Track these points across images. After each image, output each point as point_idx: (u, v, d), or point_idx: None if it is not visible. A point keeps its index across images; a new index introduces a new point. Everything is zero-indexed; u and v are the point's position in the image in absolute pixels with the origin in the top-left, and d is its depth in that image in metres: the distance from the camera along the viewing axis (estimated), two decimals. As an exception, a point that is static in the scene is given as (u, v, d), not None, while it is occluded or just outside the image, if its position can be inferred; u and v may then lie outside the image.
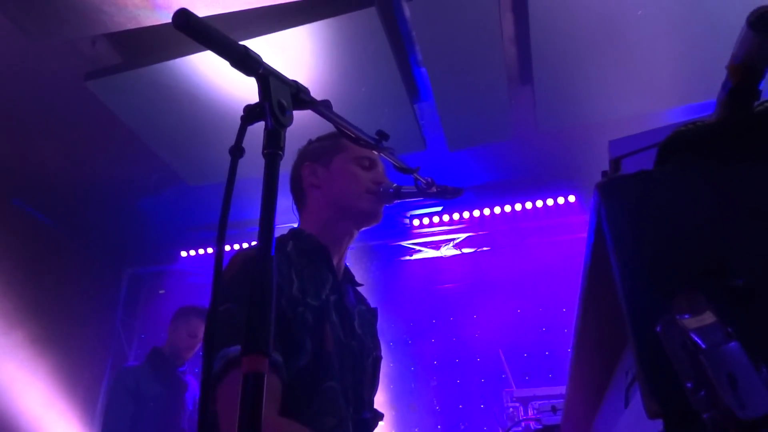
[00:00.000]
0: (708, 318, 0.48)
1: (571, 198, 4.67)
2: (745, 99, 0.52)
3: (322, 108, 1.04)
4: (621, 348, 0.85)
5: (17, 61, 3.37)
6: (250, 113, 0.88)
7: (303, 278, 1.37)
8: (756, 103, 0.54)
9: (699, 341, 0.47)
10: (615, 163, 0.64)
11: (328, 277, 1.46)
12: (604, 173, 0.67)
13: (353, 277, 1.62)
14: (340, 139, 1.62)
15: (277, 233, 1.47)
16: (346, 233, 1.56)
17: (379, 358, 1.57)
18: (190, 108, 3.57)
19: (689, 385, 0.47)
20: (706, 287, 0.50)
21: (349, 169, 1.57)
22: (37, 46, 3.22)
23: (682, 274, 0.51)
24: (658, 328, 0.50)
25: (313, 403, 1.26)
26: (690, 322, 0.49)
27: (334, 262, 1.51)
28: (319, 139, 1.69)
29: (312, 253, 1.47)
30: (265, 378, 0.69)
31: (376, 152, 1.27)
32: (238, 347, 0.86)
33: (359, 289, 1.65)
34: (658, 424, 0.50)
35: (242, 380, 0.69)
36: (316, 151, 1.65)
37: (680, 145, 0.56)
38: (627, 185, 0.55)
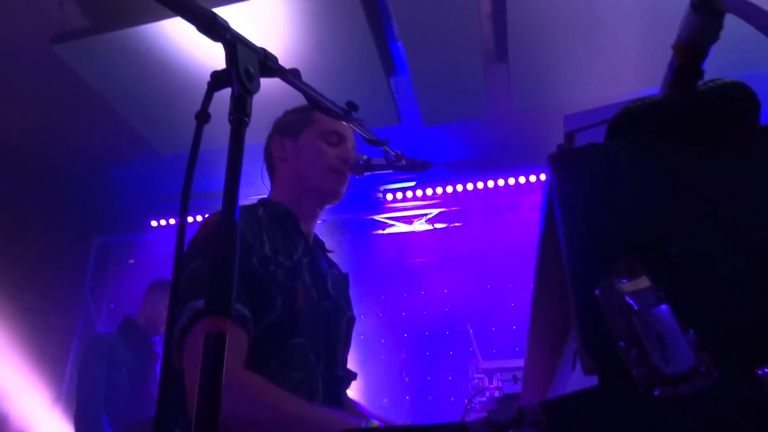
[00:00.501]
0: (643, 282, 0.52)
1: (543, 176, 4.73)
2: (689, 78, 0.55)
3: (290, 77, 1.04)
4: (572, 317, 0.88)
5: (-20, 21, 3.26)
6: (217, 79, 0.88)
7: (275, 240, 1.41)
8: (699, 82, 0.56)
9: (633, 303, 0.50)
10: (569, 136, 0.67)
11: (300, 242, 1.50)
12: (558, 146, 0.70)
13: (323, 244, 1.66)
14: (311, 113, 1.64)
15: (245, 204, 1.50)
16: (313, 207, 1.60)
17: (353, 319, 1.62)
18: (162, 75, 3.51)
19: (622, 344, 0.51)
20: (645, 255, 0.53)
21: (316, 145, 1.59)
22: (2, 6, 3.12)
23: (623, 242, 0.54)
24: (597, 292, 0.53)
25: (280, 356, 1.29)
26: (626, 286, 0.52)
27: (303, 229, 1.54)
28: (292, 111, 1.71)
29: (281, 219, 1.51)
30: (228, 336, 0.71)
31: (347, 127, 1.29)
32: None
33: (330, 256, 1.69)
34: (595, 380, 0.54)
35: (204, 340, 0.70)
36: (286, 124, 1.67)
37: (629, 120, 0.59)
38: (576, 157, 0.58)
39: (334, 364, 1.44)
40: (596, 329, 0.52)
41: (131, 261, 5.26)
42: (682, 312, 0.50)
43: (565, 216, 0.56)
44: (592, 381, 0.62)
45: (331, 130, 1.61)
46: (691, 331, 0.49)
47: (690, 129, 0.58)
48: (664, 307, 0.50)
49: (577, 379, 0.72)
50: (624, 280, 0.52)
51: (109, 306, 5.24)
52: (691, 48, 0.53)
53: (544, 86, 3.75)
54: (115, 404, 3.28)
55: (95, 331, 4.92)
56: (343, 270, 1.71)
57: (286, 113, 1.72)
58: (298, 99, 1.49)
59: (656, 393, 0.48)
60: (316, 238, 1.65)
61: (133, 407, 3.37)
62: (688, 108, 0.56)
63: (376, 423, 1.14)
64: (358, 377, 1.61)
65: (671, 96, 0.57)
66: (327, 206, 1.63)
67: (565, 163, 0.58)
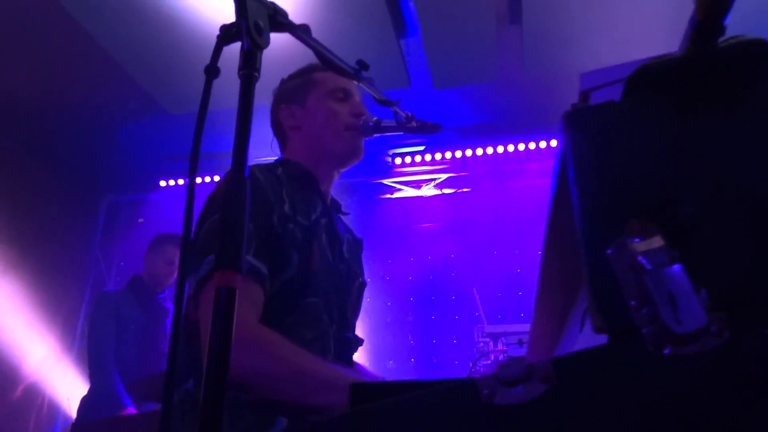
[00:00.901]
0: (656, 242, 0.51)
1: (554, 142, 4.69)
2: (710, 34, 0.53)
3: (300, 32, 1.02)
4: (582, 280, 0.88)
5: (-14, -25, 3.21)
6: (226, 33, 0.87)
7: (294, 199, 1.41)
8: (720, 39, 0.55)
9: (645, 263, 0.50)
10: (584, 95, 0.65)
11: (318, 202, 1.49)
12: (573, 105, 0.69)
13: (340, 206, 1.66)
14: (312, 74, 1.61)
15: (263, 162, 1.49)
16: (330, 171, 1.59)
17: (364, 284, 1.63)
18: (171, 33, 3.46)
19: (633, 303, 0.51)
20: (659, 214, 0.52)
21: (326, 105, 1.56)
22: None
23: (637, 201, 0.53)
24: (609, 251, 0.53)
25: (293, 314, 1.31)
26: (639, 245, 0.51)
27: (322, 189, 1.54)
28: (290, 77, 1.67)
29: (300, 179, 1.50)
30: (245, 291, 0.72)
31: (351, 82, 1.27)
32: None
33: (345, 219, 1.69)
34: (604, 339, 0.54)
35: (215, 295, 0.71)
36: (289, 91, 1.63)
37: (646, 78, 0.57)
38: (591, 115, 0.57)
39: (346, 325, 1.46)
40: (607, 288, 0.52)
41: (140, 220, 5.29)
42: (695, 272, 0.50)
43: (578, 175, 0.55)
44: (601, 340, 0.62)
45: (337, 87, 1.58)
46: (704, 290, 0.49)
47: (707, 88, 0.56)
48: (676, 266, 0.49)
49: (585, 339, 0.72)
50: (637, 240, 0.52)
51: (119, 264, 5.30)
52: (714, 3, 0.52)
53: (558, 49, 3.68)
54: (125, 359, 3.35)
55: (105, 288, 4.99)
56: (358, 235, 1.72)
57: (284, 81, 1.67)
58: (305, 59, 1.46)
59: (666, 351, 0.48)
60: (333, 199, 1.64)
61: (144, 362, 3.44)
62: (706, 66, 0.55)
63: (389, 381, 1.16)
64: (365, 339, 1.63)
65: (689, 53, 0.56)
66: (346, 167, 1.61)
67: (580, 121, 0.57)
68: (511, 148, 4.77)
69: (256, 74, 0.83)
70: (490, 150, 4.79)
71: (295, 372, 1.16)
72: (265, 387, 1.17)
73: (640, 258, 0.50)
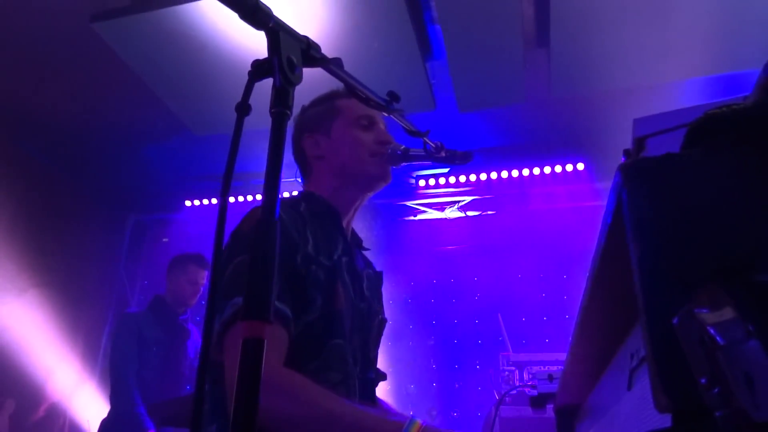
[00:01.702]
0: (728, 313, 0.46)
1: (580, 166, 4.62)
2: (787, 83, 0.49)
3: (333, 66, 1.00)
4: (626, 329, 0.83)
5: (20, 0, 3.28)
6: (259, 69, 0.84)
7: (317, 238, 1.38)
8: (797, 88, 0.51)
9: (717, 337, 0.45)
10: (639, 142, 0.61)
11: (339, 240, 1.46)
12: (626, 152, 0.65)
13: (361, 241, 1.63)
14: (335, 102, 1.58)
15: (288, 198, 1.46)
16: (356, 199, 1.55)
17: (384, 321, 1.59)
18: (199, 56, 3.50)
19: (703, 381, 0.46)
20: (729, 282, 0.48)
21: (351, 134, 1.53)
22: (42, -16, 3.14)
23: (705, 266, 0.49)
24: (674, 321, 0.48)
25: (319, 357, 1.28)
26: (709, 316, 0.47)
27: (344, 224, 1.51)
28: (312, 105, 1.63)
29: (323, 215, 1.46)
30: (270, 335, 0.69)
31: (373, 109, 1.24)
32: None
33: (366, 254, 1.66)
34: (653, 405, 0.49)
35: (242, 345, 0.68)
36: (313, 120, 1.60)
37: (712, 127, 0.53)
38: (652, 168, 0.53)
39: (368, 366, 1.42)
40: (673, 363, 0.47)
41: (165, 239, 5.33)
42: (773, 349, 0.45)
43: (638, 234, 0.51)
44: (647, 405, 0.57)
45: (361, 115, 1.55)
46: (783, 370, 0.44)
47: (783, 140, 0.52)
48: (753, 342, 0.45)
49: (635, 403, 0.67)
50: (705, 310, 0.47)
51: (143, 283, 5.33)
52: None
53: (585, 73, 3.63)
54: (146, 381, 3.34)
55: (129, 307, 5.02)
56: (374, 261, 1.68)
57: (306, 108, 1.64)
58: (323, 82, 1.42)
59: (742, 439, 0.43)
60: (354, 234, 1.61)
61: (165, 384, 3.43)
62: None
63: (419, 421, 1.11)
64: (388, 363, 1.59)
65: (764, 102, 0.51)
66: (373, 192, 1.57)
67: (639, 173, 0.53)
68: (536, 170, 4.71)
69: (289, 112, 0.81)
70: (515, 173, 4.74)
71: (321, 415, 1.12)
72: (291, 431, 1.14)
73: (711, 330, 0.45)
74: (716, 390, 0.45)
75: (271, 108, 0.81)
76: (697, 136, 0.55)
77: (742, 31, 3.14)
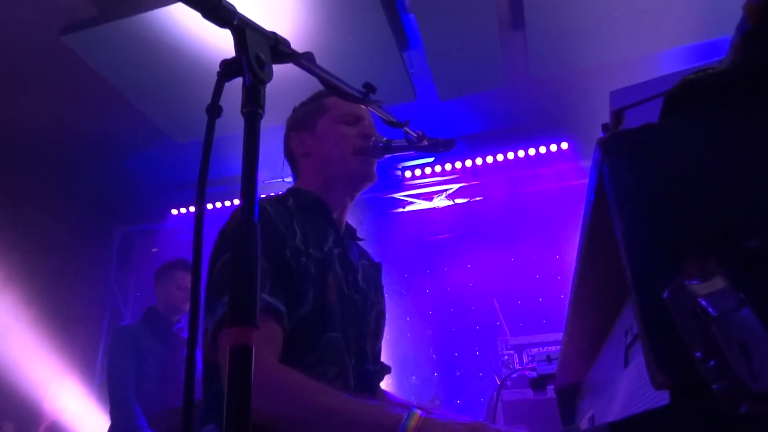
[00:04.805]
0: (719, 283, 0.45)
1: (564, 145, 4.62)
2: (763, 42, 0.48)
3: (304, 61, 0.97)
4: (619, 305, 0.83)
5: (-13, 15, 3.22)
6: (227, 69, 0.82)
7: (305, 231, 1.37)
8: (773, 47, 0.49)
9: (709, 308, 0.44)
10: (617, 115, 0.60)
11: (330, 231, 1.45)
12: (604, 126, 0.63)
13: (355, 232, 1.62)
14: (321, 101, 1.59)
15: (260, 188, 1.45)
16: (343, 197, 1.55)
17: (383, 312, 1.58)
18: (172, 62, 3.45)
19: (698, 354, 0.45)
20: (717, 250, 0.47)
21: (335, 130, 1.54)
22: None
23: (692, 236, 0.47)
24: (665, 295, 0.47)
25: (315, 352, 1.27)
26: (699, 287, 0.45)
27: (334, 217, 1.50)
28: (302, 104, 1.65)
29: (312, 208, 1.46)
30: (264, 331, 0.67)
31: (349, 102, 1.22)
32: None
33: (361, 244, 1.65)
34: (650, 382, 0.48)
35: (230, 353, 0.66)
36: (300, 118, 1.61)
37: (689, 94, 0.52)
38: (631, 140, 0.51)
39: (365, 358, 1.41)
40: (667, 338, 0.46)
41: (154, 249, 5.28)
42: (765, 317, 0.44)
43: (622, 208, 0.50)
44: (644, 382, 0.56)
45: (347, 112, 1.55)
46: (778, 337, 0.43)
47: (762, 101, 0.50)
48: (746, 311, 0.44)
49: (632, 379, 0.66)
50: (696, 281, 0.46)
51: (135, 295, 5.29)
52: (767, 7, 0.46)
53: (562, 51, 3.62)
54: (145, 393, 3.32)
55: (123, 319, 4.98)
56: (375, 259, 1.67)
57: (296, 108, 1.66)
58: (309, 81, 1.42)
59: (742, 410, 0.42)
60: (348, 226, 1.60)
61: (164, 394, 3.40)
62: (762, 77, 0.49)
63: (418, 412, 1.10)
64: (387, 356, 1.59)
65: (741, 64, 0.50)
66: (359, 192, 1.57)
67: (619, 147, 0.52)
68: (521, 153, 4.71)
69: (261, 111, 0.79)
70: (500, 157, 4.74)
71: (318, 412, 1.11)
72: (289, 429, 1.12)
73: (703, 302, 0.44)
74: (712, 363, 0.44)
75: (242, 108, 0.79)
76: (674, 103, 0.53)
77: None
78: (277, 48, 0.89)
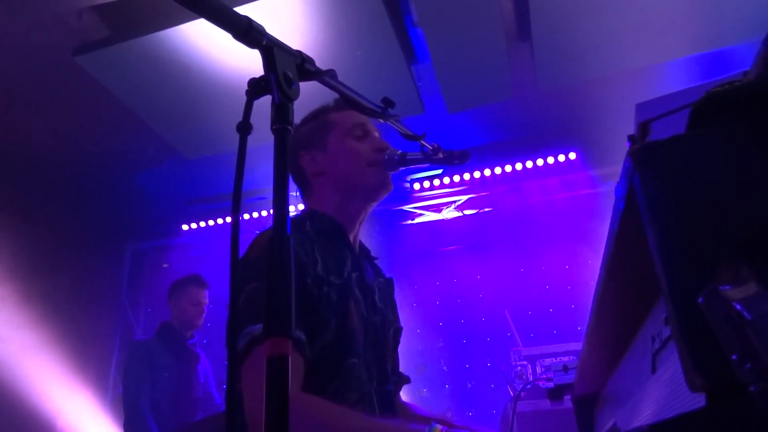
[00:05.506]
0: (752, 288, 0.47)
1: (572, 155, 4.64)
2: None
3: (327, 78, 1.00)
4: (644, 313, 0.84)
5: (1, 36, 3.27)
6: (256, 87, 0.84)
7: (325, 257, 1.36)
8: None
9: (744, 312, 0.46)
10: (643, 126, 0.62)
11: (347, 255, 1.44)
12: (631, 138, 0.65)
13: (369, 251, 1.62)
14: (327, 116, 1.57)
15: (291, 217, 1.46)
16: (360, 210, 1.54)
17: (399, 329, 1.58)
18: (184, 79, 3.50)
19: (734, 357, 0.46)
20: (750, 256, 0.48)
21: (347, 145, 1.52)
22: (22, 21, 3.13)
23: (724, 243, 0.49)
24: (700, 300, 0.48)
25: (336, 379, 1.26)
26: (733, 292, 0.47)
27: (350, 238, 1.50)
28: (303, 122, 1.61)
29: (329, 232, 1.45)
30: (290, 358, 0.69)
31: (369, 117, 1.23)
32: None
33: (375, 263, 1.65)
34: (683, 386, 0.49)
35: (266, 364, 0.68)
36: (307, 137, 1.57)
37: (716, 106, 0.54)
38: (661, 151, 0.53)
39: (386, 379, 1.41)
40: (702, 342, 0.47)
41: (165, 265, 5.31)
42: (799, 318, 0.45)
43: (654, 217, 0.52)
44: (680, 388, 0.57)
45: (354, 125, 1.54)
46: (812, 340, 0.45)
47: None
48: (780, 314, 0.45)
49: (661, 385, 0.68)
50: (729, 287, 0.47)
51: (146, 311, 5.31)
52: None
53: (569, 63, 3.65)
54: (160, 408, 3.33)
55: (134, 336, 5.00)
56: (387, 275, 1.67)
57: (298, 127, 1.60)
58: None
59: (780, 411, 0.43)
60: (362, 245, 1.59)
61: (178, 409, 3.42)
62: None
63: (439, 427, 1.10)
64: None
65: (765, 76, 0.52)
66: (376, 202, 1.56)
67: (649, 157, 0.54)
68: (529, 164, 4.73)
69: (290, 128, 0.81)
70: (508, 168, 4.75)
71: None
72: None
73: (737, 306, 0.46)
74: (749, 365, 0.45)
75: (272, 125, 0.81)
76: (701, 116, 0.55)
77: (722, 7, 3.17)
78: (303, 66, 0.91)
